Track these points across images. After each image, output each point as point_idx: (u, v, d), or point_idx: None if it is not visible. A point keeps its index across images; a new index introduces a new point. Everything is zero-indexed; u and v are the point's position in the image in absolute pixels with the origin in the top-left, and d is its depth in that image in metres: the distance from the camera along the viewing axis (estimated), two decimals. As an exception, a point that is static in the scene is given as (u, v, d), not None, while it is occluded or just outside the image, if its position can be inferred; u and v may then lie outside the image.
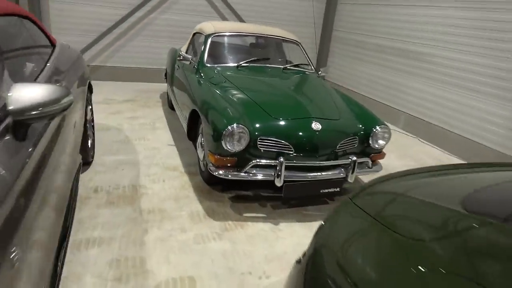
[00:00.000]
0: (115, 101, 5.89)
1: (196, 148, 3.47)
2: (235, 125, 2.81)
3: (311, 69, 4.42)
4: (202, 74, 3.87)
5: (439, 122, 5.24)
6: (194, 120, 3.59)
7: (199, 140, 3.41)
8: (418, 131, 5.58)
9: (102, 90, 6.40)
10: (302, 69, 4.34)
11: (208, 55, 4.07)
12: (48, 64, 2.37)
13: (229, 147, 2.83)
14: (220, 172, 2.91)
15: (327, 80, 4.24)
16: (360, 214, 1.36)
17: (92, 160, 3.66)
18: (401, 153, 4.91)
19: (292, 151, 2.93)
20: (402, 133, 5.80)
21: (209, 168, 2.99)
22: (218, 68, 3.96)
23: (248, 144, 2.87)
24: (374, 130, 3.21)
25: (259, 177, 2.91)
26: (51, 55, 2.62)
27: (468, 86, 4.78)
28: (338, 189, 3.11)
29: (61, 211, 1.75)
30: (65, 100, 1.50)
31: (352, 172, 3.07)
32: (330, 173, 3.06)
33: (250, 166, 2.88)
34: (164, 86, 6.72)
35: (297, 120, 3.04)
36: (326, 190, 3.08)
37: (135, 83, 7.23)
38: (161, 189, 3.31)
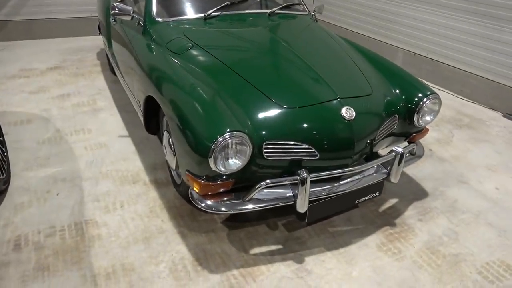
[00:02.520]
0: (36, 71, 4.41)
1: (164, 148, 2.34)
2: (227, 134, 1.71)
3: (304, 10, 3.21)
4: (153, 36, 2.59)
5: (447, 59, 4.32)
6: (153, 107, 2.42)
7: (165, 138, 2.27)
8: (421, 71, 4.67)
9: (15, 56, 4.81)
10: (292, 12, 3.12)
11: (159, 4, 2.74)
12: None
13: (221, 168, 1.76)
14: (209, 203, 1.87)
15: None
16: None
17: (7, 187, 2.46)
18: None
19: (316, 156, 1.91)
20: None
21: (191, 195, 1.93)
22: (176, 24, 2.67)
23: (251, 155, 1.81)
24: (422, 104, 2.22)
25: (271, 204, 1.90)
26: None
27: (490, 13, 3.81)
28: (377, 194, 2.19)
29: None
30: None
31: (399, 164, 2.11)
32: (367, 176, 2.11)
33: (256, 191, 1.85)
34: (101, 40, 5.20)
35: (318, 106, 1.97)
36: (363, 199, 2.15)
37: (62, 39, 5.61)
38: (120, 223, 2.23)
